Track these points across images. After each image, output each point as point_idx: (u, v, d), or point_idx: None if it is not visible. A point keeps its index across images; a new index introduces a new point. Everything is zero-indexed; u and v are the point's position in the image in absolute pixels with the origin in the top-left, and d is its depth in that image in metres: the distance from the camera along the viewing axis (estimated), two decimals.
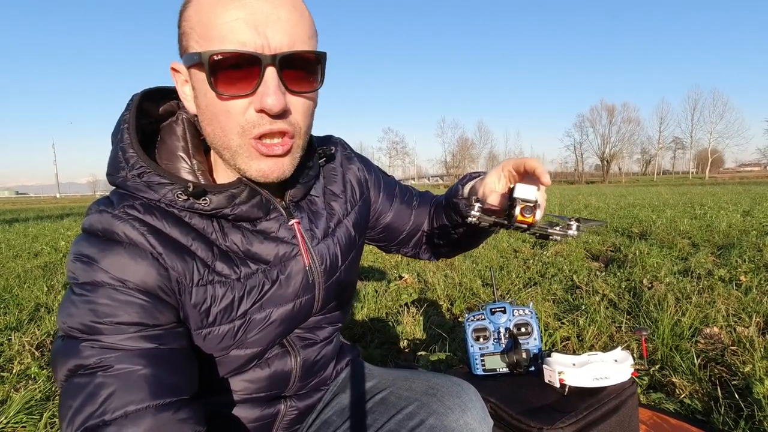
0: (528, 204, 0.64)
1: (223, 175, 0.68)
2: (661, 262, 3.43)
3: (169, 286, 0.61)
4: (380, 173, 0.96)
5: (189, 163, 0.66)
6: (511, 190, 0.68)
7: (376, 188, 0.92)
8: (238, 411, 0.75)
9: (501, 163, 0.75)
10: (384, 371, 0.92)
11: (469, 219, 0.68)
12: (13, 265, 4.38)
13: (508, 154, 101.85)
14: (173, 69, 0.63)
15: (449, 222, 0.92)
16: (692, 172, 76.85)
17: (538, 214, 0.64)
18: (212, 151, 0.69)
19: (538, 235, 0.69)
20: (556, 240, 0.70)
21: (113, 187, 0.64)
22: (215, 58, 0.55)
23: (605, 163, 77.29)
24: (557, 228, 0.68)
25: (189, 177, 0.65)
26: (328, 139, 0.88)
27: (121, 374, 0.54)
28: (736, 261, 3.28)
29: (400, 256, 4.18)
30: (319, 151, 0.82)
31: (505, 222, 0.67)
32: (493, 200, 0.72)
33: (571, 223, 0.67)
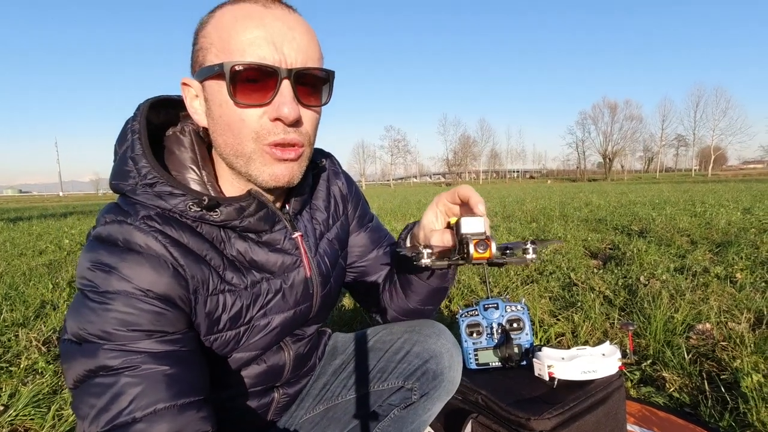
0: (480, 238, 0.61)
1: (229, 186, 0.70)
2: (658, 259, 3.45)
3: (187, 296, 0.63)
4: (362, 198, 0.97)
5: (198, 174, 0.68)
6: (457, 226, 0.64)
7: (353, 207, 0.94)
8: (235, 403, 0.80)
9: (434, 199, 0.73)
10: (363, 330, 1.00)
11: (422, 263, 0.64)
12: (18, 263, 4.42)
13: (510, 152, 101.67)
14: (184, 84, 0.66)
15: (398, 273, 0.89)
16: (695, 170, 76.62)
17: (494, 246, 0.61)
18: (216, 163, 0.71)
19: (495, 264, 0.65)
20: (515, 264, 0.65)
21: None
22: (236, 68, 0.58)
23: (607, 160, 77.05)
24: (514, 255, 0.65)
25: (198, 188, 0.67)
26: (319, 152, 0.91)
27: (148, 374, 0.56)
28: (733, 258, 3.31)
29: None
30: (318, 164, 0.86)
31: (461, 262, 0.63)
32: (437, 240, 0.69)
33: (527, 246, 0.65)
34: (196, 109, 0.67)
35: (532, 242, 0.66)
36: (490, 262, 0.62)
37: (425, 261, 0.64)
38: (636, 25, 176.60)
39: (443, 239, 0.68)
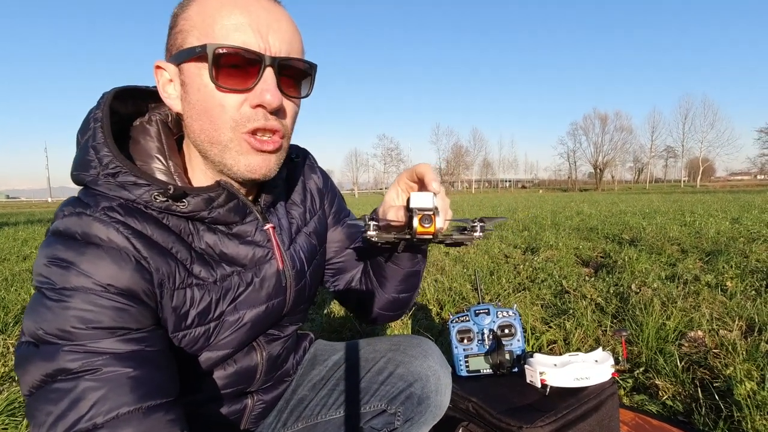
0: (426, 213, 0.61)
1: (199, 176, 0.68)
2: (649, 267, 3.46)
3: (152, 289, 0.60)
4: (338, 193, 0.96)
5: (165, 164, 0.65)
6: (407, 202, 0.64)
7: (329, 202, 0.92)
8: (205, 409, 0.76)
9: (396, 177, 0.74)
10: (346, 343, 0.96)
11: (367, 236, 0.64)
12: (1, 268, 4.33)
13: (502, 162, 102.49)
14: (158, 67, 0.63)
15: (370, 263, 0.88)
16: (684, 181, 77.84)
17: (439, 222, 0.61)
18: (187, 153, 0.69)
19: (446, 243, 0.66)
20: (465, 245, 0.67)
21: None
22: (220, 51, 0.57)
23: (598, 171, 77.96)
24: (464, 233, 0.66)
25: (163, 178, 0.64)
26: (294, 148, 0.89)
27: (111, 377, 0.52)
28: (723, 267, 3.32)
29: None
30: (293, 158, 0.84)
31: (407, 237, 0.63)
32: (392, 215, 0.69)
33: (476, 224, 0.66)
34: (169, 93, 0.64)
35: (480, 220, 0.66)
36: (437, 239, 0.62)
37: (370, 233, 0.64)
38: (626, 38, 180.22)
39: (398, 215, 0.68)
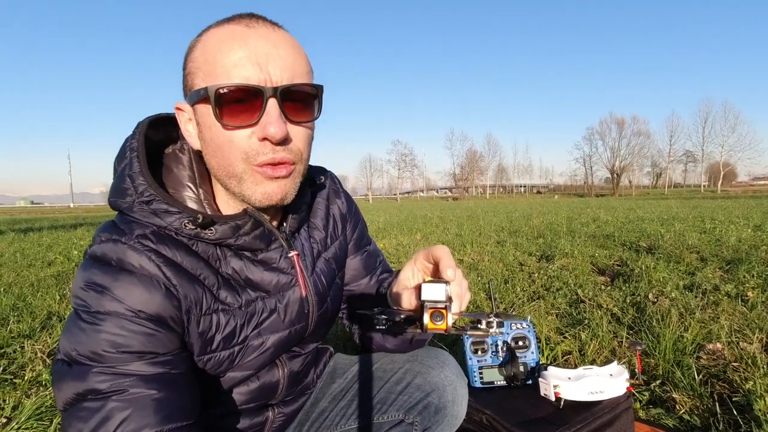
0: (437, 308, 0.58)
1: (225, 205, 0.71)
2: (667, 276, 3.40)
3: (179, 316, 0.63)
4: (362, 220, 0.97)
5: (195, 192, 0.68)
6: (418, 291, 0.61)
7: (352, 228, 0.94)
8: (227, 422, 0.79)
9: (413, 255, 0.72)
10: (365, 355, 0.98)
11: (378, 329, 0.64)
12: (27, 273, 4.46)
13: (517, 167, 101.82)
14: (177, 109, 0.67)
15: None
16: (704, 186, 76.19)
17: (450, 319, 0.58)
18: (214, 182, 0.71)
19: (459, 335, 0.66)
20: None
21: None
22: (220, 91, 0.58)
23: (615, 176, 76.84)
24: (477, 328, 0.65)
25: (194, 206, 0.67)
26: (320, 170, 0.90)
27: (136, 398, 0.56)
28: (744, 276, 3.25)
29: None
30: (317, 181, 0.86)
31: (418, 331, 0.60)
32: (405, 300, 0.65)
33: (491, 320, 0.64)
34: (190, 132, 0.67)
35: (497, 315, 0.65)
36: (449, 333, 0.60)
37: (379, 327, 0.63)
38: (643, 41, 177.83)
39: (410, 301, 0.65)
